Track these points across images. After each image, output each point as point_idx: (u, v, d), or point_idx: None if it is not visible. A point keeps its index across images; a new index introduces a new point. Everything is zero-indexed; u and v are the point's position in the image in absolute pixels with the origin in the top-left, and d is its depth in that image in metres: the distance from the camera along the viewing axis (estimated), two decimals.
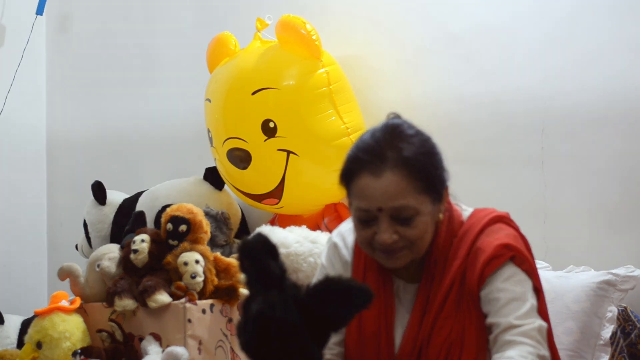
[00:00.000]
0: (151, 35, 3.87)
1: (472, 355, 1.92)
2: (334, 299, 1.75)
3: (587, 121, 2.91)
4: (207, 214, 2.89)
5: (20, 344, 3.16)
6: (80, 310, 2.67)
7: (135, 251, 2.63)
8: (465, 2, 3.14)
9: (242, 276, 1.90)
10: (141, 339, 2.58)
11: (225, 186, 3.33)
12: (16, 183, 3.97)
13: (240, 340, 1.80)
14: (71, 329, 2.59)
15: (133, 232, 2.73)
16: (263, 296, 1.76)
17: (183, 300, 2.56)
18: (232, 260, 2.72)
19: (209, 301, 2.61)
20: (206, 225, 2.70)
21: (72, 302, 2.66)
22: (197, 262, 2.59)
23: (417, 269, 2.00)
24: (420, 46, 3.21)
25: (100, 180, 3.51)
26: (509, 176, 3.03)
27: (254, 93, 3.06)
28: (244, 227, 3.35)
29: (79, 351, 2.54)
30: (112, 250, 2.74)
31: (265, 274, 1.78)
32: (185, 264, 2.58)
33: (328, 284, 1.77)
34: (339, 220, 3.06)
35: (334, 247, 2.12)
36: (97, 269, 2.69)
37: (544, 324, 1.92)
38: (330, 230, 3.01)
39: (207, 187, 3.31)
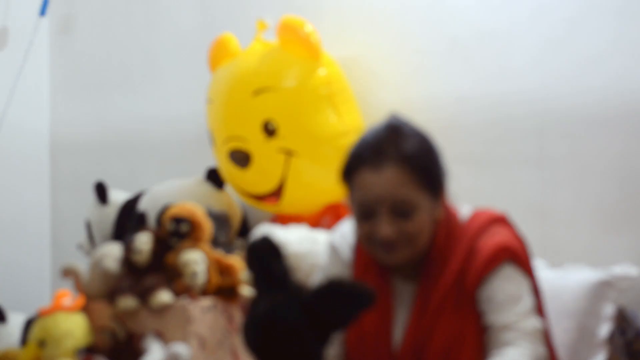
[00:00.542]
0: (153, 36, 3.87)
1: (471, 356, 1.94)
2: (337, 300, 1.78)
3: (586, 123, 2.91)
4: (208, 214, 2.91)
5: (23, 342, 3.17)
6: (83, 309, 2.67)
7: (138, 250, 2.64)
8: (465, 4, 3.14)
9: (249, 275, 1.92)
10: (143, 338, 2.59)
11: (226, 186, 3.34)
12: (19, 183, 3.98)
13: (245, 340, 1.83)
14: (74, 328, 2.59)
15: (135, 231, 2.74)
16: (268, 297, 1.78)
17: (185, 299, 2.56)
18: (233, 260, 2.73)
19: (211, 300, 2.61)
20: (207, 225, 2.71)
21: (74, 301, 2.67)
22: (198, 261, 2.60)
23: (416, 268, 2.02)
24: (420, 48, 3.21)
25: (102, 180, 3.52)
26: (508, 177, 3.04)
27: (254, 94, 3.07)
28: (245, 226, 3.36)
29: (82, 350, 2.55)
30: (115, 250, 2.75)
31: (271, 275, 1.81)
32: (187, 263, 2.59)
33: (331, 285, 1.80)
34: (339, 220, 3.06)
35: (333, 247, 2.14)
36: (100, 268, 2.70)
37: (540, 323, 1.93)
38: (330, 230, 3.02)
39: (208, 187, 3.31)
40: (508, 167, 3.04)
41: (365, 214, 1.94)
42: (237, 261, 2.73)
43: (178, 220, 2.67)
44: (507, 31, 3.06)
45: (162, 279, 2.59)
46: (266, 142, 3.06)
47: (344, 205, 3.15)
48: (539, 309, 2.00)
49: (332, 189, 3.13)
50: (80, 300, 2.68)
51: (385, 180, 1.91)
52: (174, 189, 3.32)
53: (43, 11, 3.88)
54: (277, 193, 3.11)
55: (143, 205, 3.29)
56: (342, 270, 2.09)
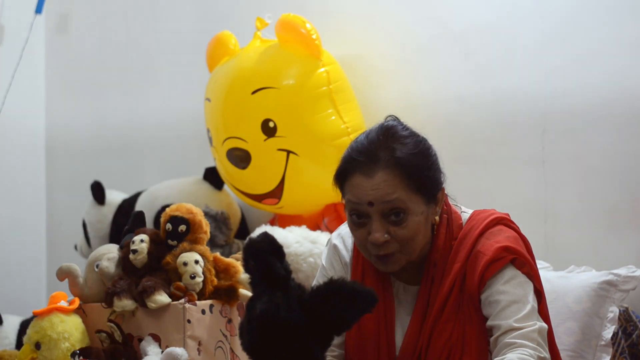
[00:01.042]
0: (151, 34, 3.86)
1: (472, 358, 1.92)
2: (338, 301, 1.76)
3: (589, 121, 2.90)
4: (207, 214, 2.89)
5: (19, 344, 3.16)
6: (79, 311, 2.66)
7: (135, 251, 2.62)
8: (466, 1, 3.14)
9: (245, 276, 1.90)
10: (140, 340, 2.58)
11: (225, 186, 3.32)
12: (15, 183, 3.96)
13: (243, 341, 1.80)
14: (70, 330, 2.58)
15: (132, 232, 2.72)
16: (267, 296, 1.76)
17: (182, 300, 2.55)
18: (232, 261, 2.71)
19: (209, 302, 2.60)
20: (206, 226, 2.69)
21: (71, 303, 2.65)
22: (196, 262, 2.59)
23: (417, 271, 2.01)
24: (421, 45, 3.20)
25: (99, 180, 3.51)
26: (510, 176, 3.03)
27: (253, 92, 3.05)
28: (244, 227, 3.35)
29: (78, 352, 2.54)
30: (111, 251, 2.73)
31: (270, 274, 1.78)
32: (185, 264, 2.58)
33: (332, 286, 1.78)
34: (339, 220, 3.05)
35: (333, 248, 2.13)
36: (96, 269, 2.68)
37: (544, 326, 1.92)
38: (330, 230, 3.01)
39: (206, 187, 3.31)
40: (510, 166, 3.03)
41: (358, 216, 1.94)
42: (235, 262, 2.72)
43: (176, 220, 2.65)
44: (508, 28, 3.05)
45: (159, 280, 2.57)
46: (265, 141, 3.04)
47: (344, 205, 3.14)
48: (542, 311, 1.98)
49: (332, 189, 3.11)
50: (76, 301, 2.66)
51: (376, 184, 1.91)
52: (172, 189, 3.31)
53: (39, 9, 3.87)
54: (276, 193, 3.10)
55: (140, 206, 3.28)
56: (342, 271, 2.09)
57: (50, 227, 4.07)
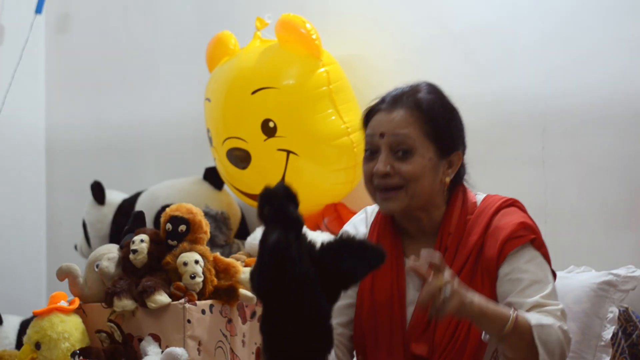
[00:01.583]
0: (151, 34, 3.86)
1: (479, 331, 1.94)
2: (347, 255, 1.79)
3: (589, 120, 2.90)
4: (207, 214, 2.89)
5: (19, 344, 3.16)
6: (79, 311, 2.66)
7: (135, 251, 2.62)
8: (466, 1, 3.13)
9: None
10: (140, 340, 2.57)
11: (225, 186, 3.32)
12: (15, 183, 3.96)
13: (254, 282, 1.79)
14: (70, 330, 2.58)
15: (132, 232, 2.72)
16: (280, 231, 1.75)
17: (182, 300, 2.55)
18: (232, 261, 2.71)
19: (209, 302, 2.60)
20: (205, 226, 2.69)
21: (70, 303, 2.65)
22: (196, 262, 2.58)
23: (429, 243, 2.03)
24: (421, 45, 3.20)
25: (99, 180, 3.51)
26: (510, 176, 3.02)
27: (253, 92, 3.05)
28: (244, 227, 3.34)
29: (78, 352, 2.53)
30: (111, 251, 2.73)
31: (285, 219, 1.77)
32: (185, 264, 2.57)
33: (342, 241, 1.81)
34: (339, 220, 3.05)
35: (352, 224, 2.20)
36: (96, 269, 2.68)
37: (564, 308, 1.93)
38: (330, 230, 3.01)
39: (206, 187, 3.30)
40: (510, 166, 3.03)
41: (369, 149, 2.04)
42: (235, 262, 2.71)
43: (176, 220, 2.65)
44: (509, 28, 3.05)
45: (159, 280, 2.56)
46: (265, 141, 3.04)
47: (344, 205, 3.14)
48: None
49: (332, 189, 3.11)
50: (76, 301, 2.66)
51: (392, 118, 2.02)
52: (172, 189, 3.30)
53: (39, 9, 3.87)
54: None
55: (140, 206, 3.27)
56: None
57: (50, 227, 4.07)
